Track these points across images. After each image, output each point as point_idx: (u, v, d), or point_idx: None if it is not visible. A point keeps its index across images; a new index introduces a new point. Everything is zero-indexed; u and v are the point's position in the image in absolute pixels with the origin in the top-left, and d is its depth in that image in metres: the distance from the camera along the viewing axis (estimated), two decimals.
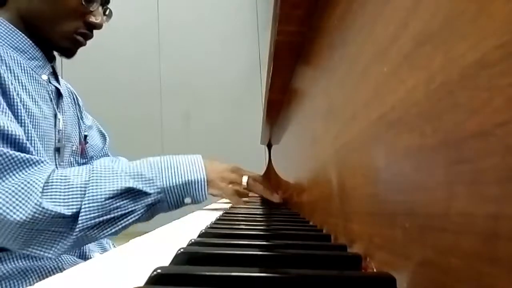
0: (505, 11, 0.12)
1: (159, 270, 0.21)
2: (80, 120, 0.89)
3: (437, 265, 0.17)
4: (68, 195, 0.59)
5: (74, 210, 0.58)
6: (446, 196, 0.16)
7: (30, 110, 0.64)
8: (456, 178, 0.15)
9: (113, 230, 0.62)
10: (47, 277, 0.23)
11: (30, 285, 0.22)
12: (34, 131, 0.65)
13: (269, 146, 1.34)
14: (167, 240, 0.41)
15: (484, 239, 0.13)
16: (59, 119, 0.74)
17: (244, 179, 0.75)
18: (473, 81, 0.14)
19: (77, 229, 0.58)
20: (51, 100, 0.73)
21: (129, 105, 2.34)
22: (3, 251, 0.62)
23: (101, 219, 0.60)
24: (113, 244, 0.89)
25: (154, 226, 0.52)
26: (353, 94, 0.30)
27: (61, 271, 0.25)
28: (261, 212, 0.70)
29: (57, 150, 0.74)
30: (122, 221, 0.63)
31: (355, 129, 0.30)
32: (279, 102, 0.78)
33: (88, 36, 0.75)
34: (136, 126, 2.33)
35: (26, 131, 0.62)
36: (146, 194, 0.64)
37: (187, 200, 0.68)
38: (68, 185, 0.59)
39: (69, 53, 0.75)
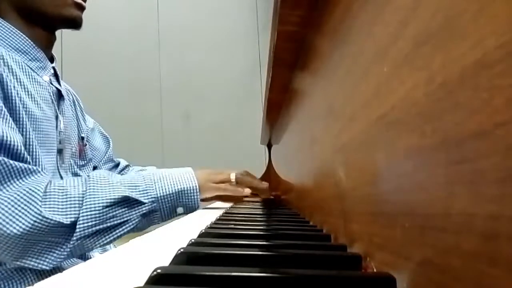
0: (505, 11, 0.12)
1: (159, 270, 0.21)
2: (80, 122, 0.89)
3: (437, 265, 0.17)
4: (66, 204, 0.59)
5: (73, 219, 0.59)
6: (446, 196, 0.16)
7: (32, 113, 0.64)
8: (456, 178, 0.15)
9: (108, 240, 0.63)
10: (46, 277, 0.23)
11: (30, 285, 0.22)
12: (35, 134, 0.64)
13: (269, 146, 1.34)
14: (167, 240, 0.41)
15: (484, 239, 0.13)
16: (60, 120, 0.74)
17: (232, 176, 0.81)
18: (473, 81, 0.14)
19: (74, 238, 0.59)
20: (52, 102, 0.73)
21: (129, 105, 2.34)
22: None
23: (98, 227, 0.61)
24: (113, 244, 0.89)
25: (154, 226, 0.52)
26: (353, 94, 0.30)
27: (61, 271, 0.25)
28: (261, 212, 0.70)
29: (59, 151, 0.74)
30: (117, 230, 0.64)
31: (355, 129, 0.30)
32: (279, 102, 0.78)
33: None
34: (136, 126, 2.32)
35: (26, 136, 0.62)
36: (141, 203, 0.66)
37: (180, 210, 0.71)
38: (66, 194, 0.60)
39: (76, 21, 0.74)
